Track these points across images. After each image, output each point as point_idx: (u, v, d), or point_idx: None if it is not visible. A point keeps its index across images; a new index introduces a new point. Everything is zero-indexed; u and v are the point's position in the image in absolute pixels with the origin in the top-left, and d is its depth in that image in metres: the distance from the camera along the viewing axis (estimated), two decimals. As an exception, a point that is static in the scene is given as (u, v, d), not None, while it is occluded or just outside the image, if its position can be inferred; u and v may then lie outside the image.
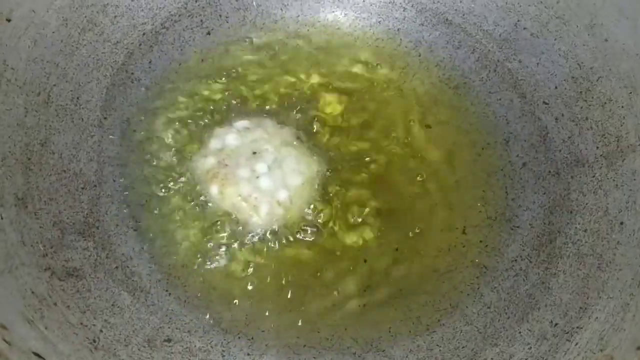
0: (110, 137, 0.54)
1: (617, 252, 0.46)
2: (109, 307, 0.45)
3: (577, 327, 0.43)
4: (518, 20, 0.56)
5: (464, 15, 0.58)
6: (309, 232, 0.51)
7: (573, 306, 0.45)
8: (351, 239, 0.52)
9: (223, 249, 0.50)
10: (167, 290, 0.49)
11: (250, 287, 0.49)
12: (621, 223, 0.47)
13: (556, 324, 0.45)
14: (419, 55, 0.59)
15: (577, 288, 0.46)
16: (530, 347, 0.44)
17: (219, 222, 0.51)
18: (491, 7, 0.57)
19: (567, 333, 0.44)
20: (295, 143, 0.54)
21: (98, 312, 0.44)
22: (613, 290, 0.44)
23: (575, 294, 0.46)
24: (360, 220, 0.52)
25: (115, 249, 0.49)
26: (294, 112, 0.56)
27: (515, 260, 0.51)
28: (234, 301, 0.49)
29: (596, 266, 0.46)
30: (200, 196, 0.52)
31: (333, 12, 0.62)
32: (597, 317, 0.43)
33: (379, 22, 0.61)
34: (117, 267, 0.48)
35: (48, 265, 0.44)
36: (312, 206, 0.52)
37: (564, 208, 0.51)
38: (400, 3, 0.61)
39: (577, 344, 0.43)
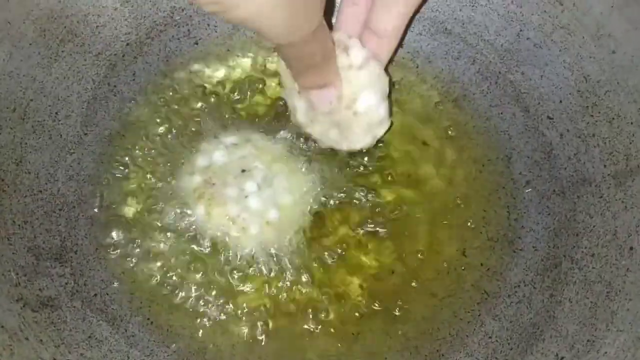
0: (91, 154, 0.51)
1: (626, 279, 0.43)
2: (85, 339, 0.43)
3: (585, 363, 0.41)
4: (521, 30, 0.53)
5: (463, 24, 0.55)
6: (300, 255, 0.49)
7: (580, 338, 0.42)
8: (345, 261, 0.49)
9: (210, 273, 0.48)
10: (149, 319, 0.46)
11: (238, 315, 0.47)
12: (631, 248, 0.44)
13: (562, 358, 0.42)
14: (417, 67, 0.57)
15: (584, 318, 0.43)
16: (535, 383, 0.42)
17: (205, 245, 0.49)
18: (492, 16, 0.54)
19: (574, 369, 0.41)
20: (286, 159, 0.52)
21: (74, 346, 0.42)
22: (623, 322, 0.41)
23: (582, 324, 0.43)
24: (353, 242, 0.50)
25: (93, 275, 0.47)
26: (285, 125, 0.54)
27: (518, 285, 0.48)
28: (221, 330, 0.46)
29: (604, 294, 0.44)
30: (186, 217, 0.49)
31: (327, 20, 0.59)
32: (606, 352, 0.41)
33: (375, 31, 0.58)
34: (95, 295, 0.46)
35: (20, 295, 0.42)
36: (303, 229, 0.49)
37: (569, 230, 0.48)
38: (397, 11, 0.58)
39: (585, 381, 0.40)
